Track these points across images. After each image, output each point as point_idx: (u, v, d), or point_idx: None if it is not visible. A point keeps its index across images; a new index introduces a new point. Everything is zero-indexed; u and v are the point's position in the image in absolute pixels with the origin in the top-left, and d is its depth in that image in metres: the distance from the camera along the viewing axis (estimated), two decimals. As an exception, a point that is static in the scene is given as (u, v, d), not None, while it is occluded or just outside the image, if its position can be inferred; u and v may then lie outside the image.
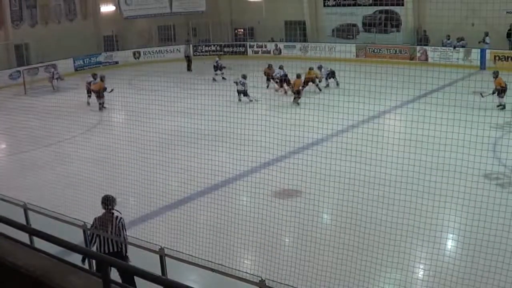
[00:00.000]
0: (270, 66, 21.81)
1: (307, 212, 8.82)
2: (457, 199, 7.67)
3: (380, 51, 27.17)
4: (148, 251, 6.84)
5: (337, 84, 21.04)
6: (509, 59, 23.18)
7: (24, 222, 7.91)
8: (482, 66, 23.54)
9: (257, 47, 31.55)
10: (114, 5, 31.32)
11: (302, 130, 10.74)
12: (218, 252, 7.76)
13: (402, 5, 26.83)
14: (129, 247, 7.24)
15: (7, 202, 8.22)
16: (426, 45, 25.97)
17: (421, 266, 8.13)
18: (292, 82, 19.72)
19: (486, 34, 23.29)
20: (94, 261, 6.48)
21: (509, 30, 23.69)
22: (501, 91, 16.59)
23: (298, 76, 19.61)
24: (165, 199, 10.10)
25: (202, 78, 21.97)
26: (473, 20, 22.48)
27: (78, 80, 22.98)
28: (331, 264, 7.27)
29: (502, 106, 16.52)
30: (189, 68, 27.83)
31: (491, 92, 16.42)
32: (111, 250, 7.07)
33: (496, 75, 16.82)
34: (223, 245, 8.11)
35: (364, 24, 28.87)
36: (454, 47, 24.73)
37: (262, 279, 5.66)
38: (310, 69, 20.71)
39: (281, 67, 21.15)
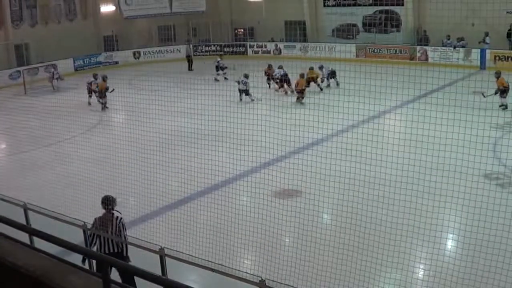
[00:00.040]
0: (270, 66, 21.82)
1: (307, 212, 8.82)
2: (457, 199, 7.67)
3: (380, 51, 27.17)
4: (148, 251, 6.83)
5: (337, 84, 21.06)
6: (509, 59, 23.18)
7: (24, 222, 7.91)
8: (482, 66, 23.54)
9: (257, 47, 31.55)
10: (114, 5, 31.32)
11: (302, 130, 10.74)
12: (218, 252, 7.76)
13: (402, 5, 26.83)
14: (129, 247, 7.24)
15: (7, 202, 8.22)
16: (426, 45, 25.98)
17: (421, 266, 8.13)
18: (295, 81, 19.71)
19: (486, 34, 23.29)
20: (94, 261, 6.50)
21: (509, 30, 23.69)
22: (503, 91, 16.60)
23: (302, 76, 19.64)
24: (165, 199, 10.10)
25: (202, 78, 21.94)
26: (473, 20, 22.48)
27: (78, 80, 22.99)
28: (331, 264, 7.26)
29: (504, 106, 16.53)
30: (190, 68, 27.84)
31: (493, 92, 16.42)
32: (111, 251, 7.07)
33: (498, 75, 16.83)
34: (223, 245, 8.11)
35: (364, 24, 28.87)
36: (454, 47, 24.73)
37: (262, 279, 5.66)
38: (310, 68, 20.72)
39: (280, 67, 21.16)
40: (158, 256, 6.64)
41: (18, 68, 25.66)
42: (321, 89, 20.80)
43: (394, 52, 26.80)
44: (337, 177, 9.54)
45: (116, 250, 7.12)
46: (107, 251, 7.05)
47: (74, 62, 28.60)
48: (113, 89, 18.42)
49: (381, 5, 26.99)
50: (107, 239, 7.11)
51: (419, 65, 20.13)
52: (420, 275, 7.91)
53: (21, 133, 15.13)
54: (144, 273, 3.46)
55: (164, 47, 31.50)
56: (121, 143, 11.54)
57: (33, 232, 4.56)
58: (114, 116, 19.40)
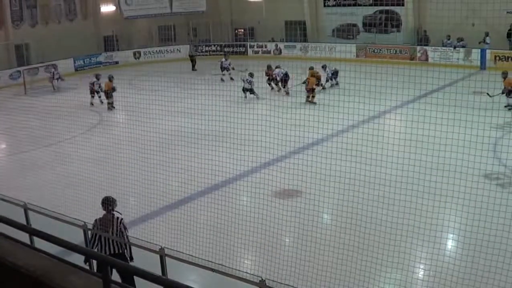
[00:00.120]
0: (269, 67, 21.78)
1: (307, 212, 8.82)
2: (457, 199, 7.67)
3: (381, 51, 27.17)
4: (148, 251, 6.84)
5: (337, 84, 21.08)
6: (509, 59, 23.17)
7: (24, 222, 7.91)
8: (483, 66, 23.54)
9: (257, 47, 31.55)
10: (114, 5, 31.33)
11: (302, 130, 10.74)
12: (218, 252, 7.76)
13: (403, 5, 26.81)
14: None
15: (7, 202, 8.22)
16: (427, 45, 25.97)
17: (421, 266, 8.13)
18: (306, 80, 19.72)
19: (487, 34, 23.28)
20: (93, 261, 6.50)
21: (509, 30, 23.69)
22: (510, 91, 16.59)
23: (312, 75, 19.67)
24: (165, 199, 10.10)
25: (203, 78, 21.98)
26: (473, 20, 22.48)
27: (78, 80, 23.00)
28: (331, 264, 7.26)
29: (510, 107, 16.53)
30: (193, 68, 27.85)
31: (500, 92, 16.42)
32: (112, 252, 7.06)
33: (505, 75, 16.84)
34: (223, 245, 8.11)
35: (364, 24, 28.86)
36: (455, 47, 24.73)
37: (262, 279, 5.66)
38: (310, 68, 20.71)
39: (278, 67, 21.19)
40: (158, 256, 6.64)
41: (18, 68, 25.67)
42: (324, 88, 20.79)
43: (394, 52, 26.80)
44: (337, 177, 9.54)
45: (117, 251, 7.12)
46: (108, 252, 7.05)
47: (75, 62, 28.61)
48: (114, 89, 18.48)
49: (381, 5, 26.97)
50: (108, 240, 7.10)
51: (419, 65, 20.13)
52: (420, 275, 7.91)
53: (21, 133, 15.13)
54: (144, 273, 3.46)
55: (164, 47, 31.51)
56: (121, 143, 11.55)
57: (33, 232, 4.57)
58: (114, 116, 19.41)
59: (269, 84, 21.55)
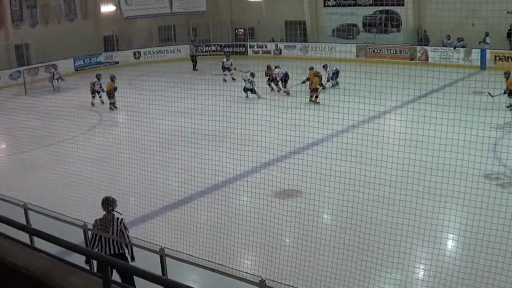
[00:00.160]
0: (269, 67, 21.74)
1: (307, 212, 8.82)
2: (457, 199, 7.67)
3: (381, 51, 27.17)
4: (148, 251, 6.84)
5: (337, 84, 21.08)
6: (509, 59, 23.17)
7: (24, 222, 7.92)
8: (483, 66, 23.54)
9: (257, 47, 31.54)
10: (115, 5, 31.32)
11: (302, 130, 10.74)
12: (218, 252, 7.76)
13: (403, 5, 26.81)
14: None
15: (7, 202, 8.22)
16: (427, 45, 25.97)
17: (422, 266, 8.13)
18: (310, 80, 19.71)
19: (487, 34, 23.28)
20: (93, 261, 6.50)
21: (509, 30, 23.68)
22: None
23: (316, 74, 19.67)
24: (165, 199, 10.10)
25: (203, 78, 21.99)
26: (473, 20, 22.48)
27: (78, 80, 23.00)
28: (331, 264, 7.27)
29: None
30: (194, 68, 27.84)
31: (502, 92, 16.41)
32: (112, 252, 7.06)
33: (508, 75, 16.83)
34: (224, 245, 8.11)
35: (364, 24, 28.86)
36: (455, 47, 24.73)
37: (262, 279, 5.66)
38: (311, 69, 20.69)
39: (277, 67, 21.18)
40: (158, 256, 6.64)
41: (19, 68, 25.66)
42: (324, 88, 20.78)
43: (394, 52, 26.80)
44: (337, 177, 9.54)
45: (117, 252, 7.12)
46: (108, 253, 7.05)
47: (75, 62, 28.60)
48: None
49: (381, 5, 26.96)
50: (108, 240, 7.11)
51: (419, 65, 20.15)
52: (420, 275, 7.91)
53: (21, 133, 15.14)
54: (144, 273, 3.46)
55: (164, 47, 31.50)
56: (121, 143, 11.55)
57: (33, 232, 4.57)
58: (115, 116, 19.41)
59: (269, 84, 21.53)
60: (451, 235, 9.15)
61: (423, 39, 26.08)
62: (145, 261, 6.71)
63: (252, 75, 20.25)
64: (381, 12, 28.26)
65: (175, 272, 6.72)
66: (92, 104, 20.47)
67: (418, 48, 26.04)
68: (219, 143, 11.38)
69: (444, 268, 7.33)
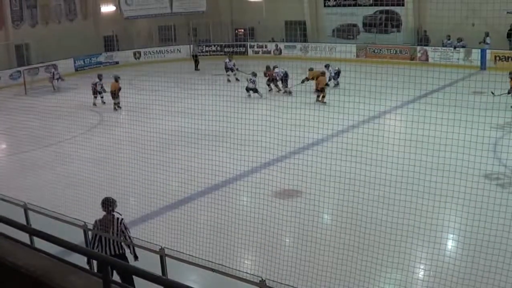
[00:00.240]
0: (268, 68, 21.72)
1: (307, 212, 8.82)
2: (457, 199, 7.67)
3: (381, 51, 27.17)
4: (149, 251, 6.84)
5: (337, 84, 21.08)
6: (510, 59, 23.17)
7: (25, 222, 7.91)
8: (483, 66, 23.55)
9: (257, 47, 31.55)
10: (115, 5, 31.32)
11: (302, 130, 10.74)
12: (218, 252, 7.76)
13: (403, 5, 26.81)
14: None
15: (7, 202, 8.22)
16: (427, 45, 25.98)
17: (422, 266, 8.13)
18: (316, 80, 19.70)
19: (487, 35, 23.29)
20: (93, 261, 6.51)
21: (510, 30, 23.68)
22: None
23: (323, 74, 19.66)
24: (165, 199, 10.10)
25: (203, 78, 21.98)
26: (473, 20, 22.48)
27: (79, 80, 22.99)
28: (331, 264, 7.26)
29: None
30: (196, 68, 27.85)
31: (506, 92, 16.41)
32: (112, 253, 7.06)
33: None
34: (224, 245, 8.11)
35: (364, 24, 28.86)
36: (455, 47, 24.73)
37: (262, 279, 5.66)
38: (310, 69, 20.69)
39: (275, 67, 21.18)
40: (158, 256, 6.64)
41: (19, 68, 25.66)
42: (327, 85, 20.74)
43: (394, 52, 26.80)
44: (337, 177, 9.54)
45: (117, 252, 7.12)
46: (108, 253, 7.04)
47: (75, 62, 28.61)
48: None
49: (381, 5, 26.99)
50: (108, 241, 7.11)
51: (419, 65, 20.19)
52: (420, 275, 7.91)
53: (22, 133, 15.13)
54: (144, 273, 3.46)
55: (164, 47, 31.50)
56: (121, 143, 11.54)
57: (34, 232, 4.56)
58: (115, 116, 19.39)
59: (268, 85, 21.50)
60: (451, 235, 9.15)
61: (423, 39, 26.08)
62: (145, 261, 6.73)
63: (254, 74, 20.30)
64: (381, 12, 28.27)
65: (175, 272, 6.72)
66: (94, 104, 20.46)
67: (418, 48, 26.04)
68: (219, 143, 11.38)
69: (444, 268, 7.32)
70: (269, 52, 30.62)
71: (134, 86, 22.77)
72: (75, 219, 7.64)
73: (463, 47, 24.49)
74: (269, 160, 11.58)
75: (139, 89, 20.94)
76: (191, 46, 29.90)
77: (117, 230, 7.11)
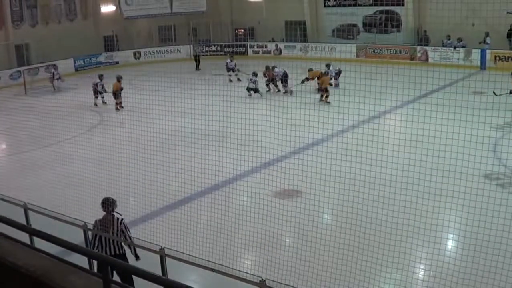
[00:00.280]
0: (268, 68, 21.70)
1: (308, 212, 8.82)
2: (457, 199, 7.67)
3: (381, 51, 27.17)
4: (149, 251, 6.84)
5: (337, 84, 21.07)
6: (510, 59, 23.17)
7: (25, 222, 7.91)
8: (483, 66, 23.55)
9: (257, 47, 31.55)
10: (115, 5, 31.32)
11: (302, 130, 10.74)
12: (218, 252, 7.76)
13: (403, 5, 26.82)
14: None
15: (7, 202, 8.22)
16: (427, 45, 25.98)
17: (422, 266, 8.13)
18: (320, 79, 19.68)
19: (487, 35, 23.29)
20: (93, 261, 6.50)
21: (510, 30, 23.69)
22: None
23: (326, 73, 19.65)
24: (165, 199, 10.10)
25: (203, 78, 21.99)
26: (473, 20, 22.48)
27: (79, 80, 22.99)
28: (332, 264, 7.26)
29: None
30: (197, 68, 27.85)
31: (508, 92, 16.39)
32: (112, 253, 7.06)
33: None
34: (224, 245, 8.11)
35: (364, 24, 28.87)
36: (455, 47, 24.73)
37: (262, 279, 5.66)
38: (309, 70, 20.68)
39: (274, 67, 21.17)
40: (158, 256, 6.64)
41: (19, 68, 25.67)
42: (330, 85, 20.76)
43: (394, 52, 26.81)
44: (337, 177, 9.54)
45: (118, 252, 7.12)
46: (108, 253, 7.04)
47: (75, 62, 28.61)
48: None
49: (381, 5, 26.99)
50: (108, 241, 7.10)
51: (419, 65, 20.19)
52: (420, 275, 7.91)
53: (22, 133, 15.14)
54: (144, 273, 3.46)
55: (164, 47, 31.51)
56: (121, 143, 11.54)
57: (34, 232, 4.56)
58: (115, 116, 19.39)
59: (267, 85, 21.47)
60: (451, 235, 9.15)
61: (423, 39, 26.09)
62: (145, 261, 6.73)
63: (255, 74, 20.34)
64: (381, 12, 28.28)
65: (175, 272, 6.72)
66: (95, 104, 20.45)
67: (418, 48, 26.04)
68: (219, 143, 11.38)
69: (444, 268, 7.32)
70: (269, 52, 30.62)
71: (134, 86, 22.76)
72: (75, 219, 7.64)
73: (463, 47, 24.49)
74: (269, 160, 11.58)
75: (139, 89, 20.94)
76: (193, 46, 29.89)
77: (117, 230, 7.11)
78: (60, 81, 23.95)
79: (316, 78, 20.34)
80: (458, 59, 24.37)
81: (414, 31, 27.42)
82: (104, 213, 7.25)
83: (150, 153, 11.48)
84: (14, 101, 19.97)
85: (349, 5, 29.29)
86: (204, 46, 31.84)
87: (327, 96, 18.80)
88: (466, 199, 7.26)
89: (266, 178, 10.19)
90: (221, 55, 30.30)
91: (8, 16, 27.20)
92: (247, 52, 31.59)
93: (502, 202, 7.57)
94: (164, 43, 31.49)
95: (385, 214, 8.27)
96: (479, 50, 23.75)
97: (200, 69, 27.62)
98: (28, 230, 4.89)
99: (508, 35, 23.92)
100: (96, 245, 7.16)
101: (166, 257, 6.64)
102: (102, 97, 20.54)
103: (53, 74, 24.24)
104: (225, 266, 6.46)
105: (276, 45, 30.69)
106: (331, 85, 20.04)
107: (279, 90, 21.12)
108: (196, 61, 28.14)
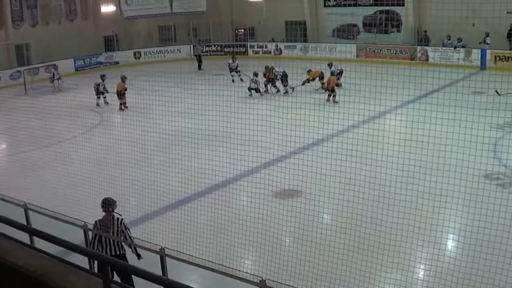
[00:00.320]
0: (267, 68, 21.65)
1: (308, 212, 8.82)
2: (457, 199, 7.67)
3: (381, 51, 27.17)
4: (149, 251, 6.84)
5: (340, 84, 21.06)
6: (510, 59, 23.17)
7: (25, 222, 7.91)
8: (483, 66, 23.55)
9: (257, 47, 31.55)
10: (115, 5, 31.32)
11: (302, 130, 10.74)
12: (218, 252, 7.76)
13: (403, 5, 26.83)
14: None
15: (7, 202, 8.22)
16: (427, 45, 25.99)
17: (422, 267, 8.13)
18: (327, 79, 19.65)
19: (487, 35, 23.28)
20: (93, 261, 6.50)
21: (510, 30, 23.69)
22: None
23: (332, 73, 19.64)
24: (165, 199, 10.10)
25: (203, 78, 21.99)
26: (473, 20, 22.48)
27: (79, 80, 22.99)
28: (332, 264, 7.26)
29: None
30: (200, 68, 27.85)
31: (510, 92, 16.36)
32: (113, 253, 7.06)
33: None
34: (224, 245, 8.11)
35: (364, 24, 28.87)
36: (455, 47, 24.73)
37: (262, 279, 5.66)
38: (308, 71, 20.66)
39: (273, 67, 21.16)
40: (158, 256, 6.64)
41: (19, 68, 25.67)
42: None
43: (394, 52, 26.81)
44: (337, 177, 9.54)
45: (118, 252, 7.12)
46: (109, 254, 7.04)
47: (75, 62, 28.61)
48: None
49: (381, 5, 27.01)
50: (108, 241, 7.10)
51: (419, 65, 20.17)
52: (420, 276, 7.91)
53: (22, 133, 15.14)
54: (144, 273, 3.46)
55: (164, 47, 31.51)
56: (121, 143, 11.54)
57: (34, 232, 4.56)
58: (115, 116, 19.41)
59: (266, 85, 21.43)
60: (451, 235, 9.15)
61: (423, 39, 26.10)
62: (145, 261, 6.73)
63: (256, 74, 20.37)
64: (381, 12, 28.29)
65: (175, 272, 6.72)
66: (97, 104, 20.45)
67: (418, 48, 26.04)
68: (219, 143, 11.38)
69: (444, 268, 7.32)
70: (269, 52, 30.62)
71: (134, 86, 22.71)
72: (75, 219, 7.64)
73: (463, 47, 24.49)
74: (269, 160, 11.58)
75: (139, 89, 20.89)
76: (194, 46, 29.88)
77: (118, 231, 7.11)
78: (60, 81, 23.96)
79: (317, 78, 20.34)
80: (458, 59, 24.37)
81: (414, 31, 27.42)
82: (104, 213, 7.25)
83: (150, 153, 11.49)
84: (14, 101, 19.98)
85: (349, 5, 29.30)
86: (204, 46, 31.84)
87: (334, 96, 18.78)
88: (466, 199, 7.27)
89: (266, 178, 10.18)
90: (221, 55, 30.31)
91: (8, 16, 27.20)
92: (247, 52, 31.59)
93: (502, 202, 7.56)
94: (164, 43, 31.49)
95: (385, 214, 8.27)
96: (479, 50, 23.75)
97: (202, 69, 27.63)
98: (28, 230, 4.89)
99: (508, 35, 23.92)
100: (96, 245, 7.16)
101: (166, 257, 6.64)
102: (104, 97, 20.53)
103: (53, 74, 24.25)
104: (225, 266, 6.46)
105: (276, 45, 30.69)
106: (340, 85, 19.90)
107: (278, 91, 21.11)
108: (198, 61, 28.13)
